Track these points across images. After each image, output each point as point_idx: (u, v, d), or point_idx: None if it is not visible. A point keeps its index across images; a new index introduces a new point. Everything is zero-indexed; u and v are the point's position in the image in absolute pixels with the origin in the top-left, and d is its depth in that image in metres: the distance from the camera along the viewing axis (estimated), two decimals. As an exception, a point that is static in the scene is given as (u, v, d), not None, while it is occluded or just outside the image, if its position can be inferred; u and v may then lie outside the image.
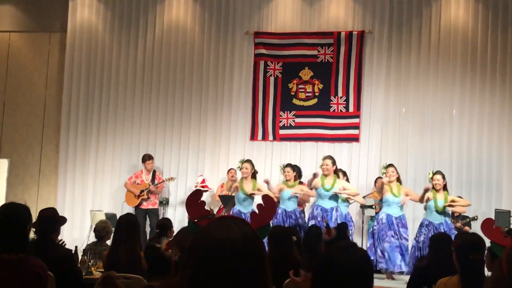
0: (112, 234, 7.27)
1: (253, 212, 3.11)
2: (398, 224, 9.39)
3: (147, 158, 11.65)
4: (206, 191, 11.49)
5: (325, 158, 9.92)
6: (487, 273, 4.26)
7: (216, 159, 12.12)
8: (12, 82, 13.20)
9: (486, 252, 4.28)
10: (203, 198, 3.30)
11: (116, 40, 12.64)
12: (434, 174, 9.46)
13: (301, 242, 6.50)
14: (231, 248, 1.68)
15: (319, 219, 9.41)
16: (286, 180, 10.10)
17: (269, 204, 3.10)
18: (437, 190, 9.33)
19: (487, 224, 3.82)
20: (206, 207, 3.32)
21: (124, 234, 5.75)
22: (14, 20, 13.33)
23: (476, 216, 9.87)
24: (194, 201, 3.17)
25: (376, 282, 8.54)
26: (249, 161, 10.24)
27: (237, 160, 11.81)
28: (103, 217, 9.95)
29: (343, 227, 7.11)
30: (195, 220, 3.08)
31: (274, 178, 11.78)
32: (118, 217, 10.82)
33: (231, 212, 9.93)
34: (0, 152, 13.03)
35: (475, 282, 3.89)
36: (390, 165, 9.80)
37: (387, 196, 9.56)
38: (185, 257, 1.73)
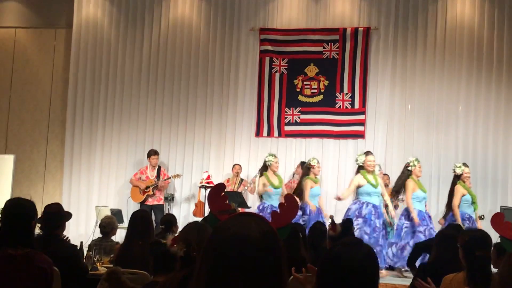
0: (117, 229, 7.31)
1: (274, 211, 3.10)
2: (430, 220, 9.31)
3: (152, 153, 11.67)
4: (211, 187, 11.48)
5: (368, 154, 9.50)
6: (492, 269, 4.24)
7: (222, 155, 12.12)
8: (17, 78, 13.22)
9: (492, 248, 4.27)
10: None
11: (121, 36, 12.64)
12: (465, 166, 9.38)
13: (306, 238, 6.50)
14: (249, 245, 1.66)
15: (372, 218, 9.07)
16: (315, 176, 10.12)
17: (291, 203, 3.08)
18: (465, 182, 9.35)
19: (497, 219, 3.78)
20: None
21: (139, 230, 5.76)
22: (20, 16, 13.34)
23: (483, 216, 9.81)
24: (216, 194, 3.16)
25: (385, 279, 8.52)
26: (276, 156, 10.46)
27: (242, 156, 11.85)
28: (108, 213, 9.96)
29: (348, 223, 7.09)
30: (216, 214, 3.07)
31: (280, 173, 11.78)
32: (123, 213, 10.95)
33: (263, 207, 10.07)
34: (6, 148, 13.06)
35: (481, 278, 3.88)
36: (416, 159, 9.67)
37: (417, 192, 9.35)
38: (203, 252, 1.72)
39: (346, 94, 11.75)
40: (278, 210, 3.05)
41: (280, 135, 11.96)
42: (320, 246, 6.28)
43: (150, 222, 6.01)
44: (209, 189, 11.84)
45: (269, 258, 1.68)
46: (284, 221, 3.00)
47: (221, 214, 2.97)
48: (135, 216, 6.01)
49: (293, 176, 11.48)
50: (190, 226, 3.58)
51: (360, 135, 11.65)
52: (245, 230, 1.69)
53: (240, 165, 11.59)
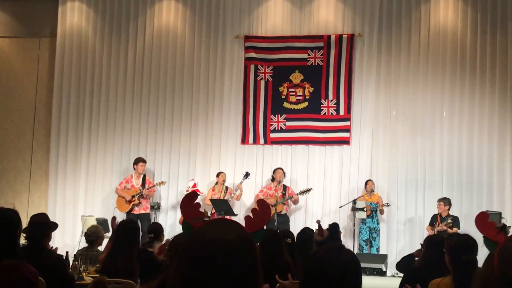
0: (104, 239, 7.27)
1: (247, 216, 3.11)
2: None
3: (140, 160, 11.61)
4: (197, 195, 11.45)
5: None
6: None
7: (208, 163, 12.10)
8: (1, 88, 13.15)
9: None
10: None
11: (106, 45, 12.61)
12: None
13: (294, 244, 6.49)
14: (224, 250, 1.67)
15: None
16: None
17: (264, 208, 3.10)
18: None
19: (481, 219, 3.76)
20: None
21: (124, 240, 5.72)
22: (4, 25, 13.28)
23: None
24: (189, 202, 3.16)
25: (369, 280, 8.53)
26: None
27: (228, 164, 11.84)
28: (94, 222, 9.90)
29: (335, 228, 7.10)
30: (190, 222, 3.07)
31: (266, 181, 11.78)
32: (109, 222, 10.87)
33: None
34: (-10, 158, 12.98)
35: (468, 283, 3.88)
36: None
37: None
38: (177, 258, 1.73)
39: (331, 100, 11.79)
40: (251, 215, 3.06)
41: (266, 142, 11.97)
42: (308, 252, 6.27)
43: (135, 232, 5.97)
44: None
45: (244, 263, 1.69)
46: (258, 226, 3.02)
47: (195, 222, 2.98)
48: (120, 225, 5.99)
49: (272, 181, 11.39)
50: (178, 236, 3.57)
51: (346, 142, 11.68)
52: (220, 235, 1.70)
53: (225, 173, 11.57)
